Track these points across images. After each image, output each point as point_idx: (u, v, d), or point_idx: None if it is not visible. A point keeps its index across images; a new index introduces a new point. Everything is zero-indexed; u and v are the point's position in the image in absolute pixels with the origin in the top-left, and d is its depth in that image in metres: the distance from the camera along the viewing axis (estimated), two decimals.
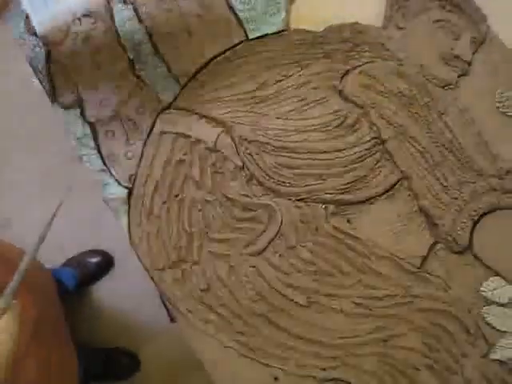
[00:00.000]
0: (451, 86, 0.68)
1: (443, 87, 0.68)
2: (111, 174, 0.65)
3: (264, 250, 0.61)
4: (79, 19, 0.66)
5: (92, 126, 0.65)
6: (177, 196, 0.64)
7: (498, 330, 0.58)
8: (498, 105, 0.68)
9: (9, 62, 1.60)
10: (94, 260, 1.46)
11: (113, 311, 1.40)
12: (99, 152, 0.65)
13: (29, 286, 0.73)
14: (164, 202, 0.64)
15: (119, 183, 0.64)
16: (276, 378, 0.56)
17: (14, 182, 1.54)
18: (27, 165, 1.57)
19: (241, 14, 0.68)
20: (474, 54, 0.70)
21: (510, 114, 0.67)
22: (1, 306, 0.51)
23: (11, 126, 1.60)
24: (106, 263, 1.47)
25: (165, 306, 1.31)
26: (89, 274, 1.43)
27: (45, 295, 0.87)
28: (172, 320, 1.31)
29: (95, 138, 0.65)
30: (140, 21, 0.67)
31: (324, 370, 0.55)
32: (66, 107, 0.65)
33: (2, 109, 1.62)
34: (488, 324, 0.58)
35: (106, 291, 1.40)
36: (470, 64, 0.70)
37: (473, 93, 0.69)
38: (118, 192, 0.64)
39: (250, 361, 0.56)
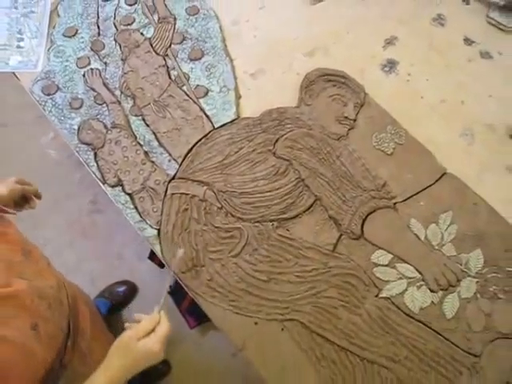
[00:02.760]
0: (343, 137, 1.06)
1: (338, 139, 1.06)
2: (146, 222, 1.01)
3: (240, 253, 0.97)
4: (110, 130, 1.11)
5: (130, 195, 1.04)
6: (186, 229, 1.00)
7: (383, 281, 0.94)
8: (374, 144, 1.06)
9: (29, 137, 1.99)
10: (121, 289, 1.78)
11: None
12: (137, 210, 1.03)
13: (84, 300, 1.08)
14: (179, 234, 1.00)
15: (151, 227, 1.01)
16: (256, 323, 0.93)
17: (48, 236, 1.87)
18: (55, 222, 1.91)
19: (208, 113, 1.10)
20: (357, 114, 1.08)
21: (382, 149, 1.05)
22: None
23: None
24: (131, 290, 1.79)
25: (184, 316, 1.71)
26: (119, 300, 1.75)
27: (92, 309, 1.14)
28: (191, 327, 1.70)
29: (133, 203, 1.03)
30: (147, 125, 1.09)
31: (282, 315, 0.93)
32: (112, 186, 1.05)
33: (27, 176, 1.97)
34: (377, 278, 0.95)
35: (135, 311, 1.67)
36: (355, 121, 1.07)
37: (358, 139, 1.06)
38: (152, 232, 1.01)
39: (240, 316, 0.93)
